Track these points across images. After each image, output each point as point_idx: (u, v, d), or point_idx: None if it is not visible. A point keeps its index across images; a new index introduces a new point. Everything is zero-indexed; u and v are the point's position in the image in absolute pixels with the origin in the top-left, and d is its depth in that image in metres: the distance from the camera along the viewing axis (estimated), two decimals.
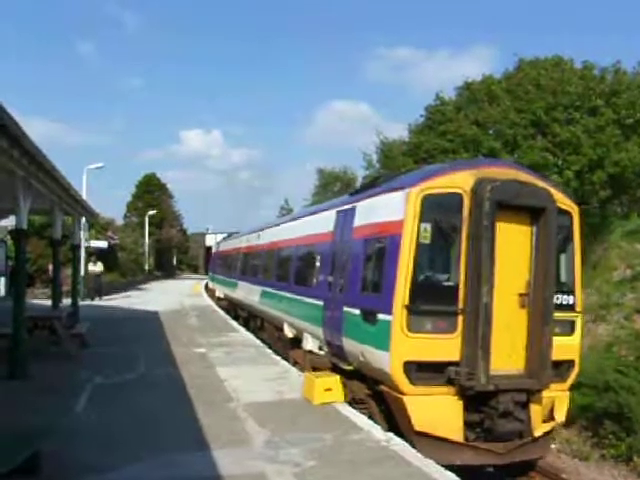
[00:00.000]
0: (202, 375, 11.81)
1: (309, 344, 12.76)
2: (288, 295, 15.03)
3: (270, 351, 15.20)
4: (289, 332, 14.80)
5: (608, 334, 15.90)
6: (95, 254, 35.11)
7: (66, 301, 20.53)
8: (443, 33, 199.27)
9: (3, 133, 8.15)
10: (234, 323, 21.85)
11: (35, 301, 23.56)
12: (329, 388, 9.85)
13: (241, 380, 11.32)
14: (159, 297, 35.22)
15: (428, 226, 8.88)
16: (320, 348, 12.22)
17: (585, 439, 12.12)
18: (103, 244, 41.25)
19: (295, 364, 13.57)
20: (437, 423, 8.53)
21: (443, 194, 8.99)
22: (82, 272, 29.88)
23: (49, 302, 18.47)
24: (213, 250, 44.18)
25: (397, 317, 8.59)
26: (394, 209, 9.33)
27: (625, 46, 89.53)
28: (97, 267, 32.73)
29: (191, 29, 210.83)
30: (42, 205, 14.73)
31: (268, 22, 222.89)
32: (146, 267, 63.30)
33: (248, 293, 21.49)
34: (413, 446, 8.01)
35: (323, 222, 13.02)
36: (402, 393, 8.62)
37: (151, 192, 79.76)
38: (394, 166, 30.04)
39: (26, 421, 7.63)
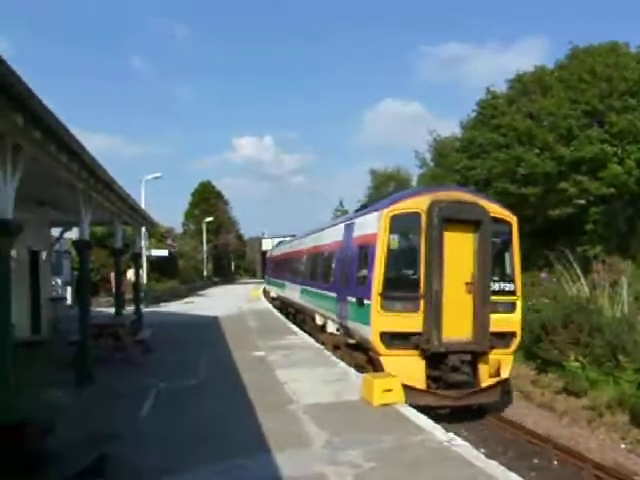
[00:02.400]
0: (262, 378, 11.93)
1: (330, 328, 16.57)
2: (316, 291, 19.10)
3: (329, 353, 15.23)
4: (319, 320, 18.41)
5: None
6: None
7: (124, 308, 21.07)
8: (492, 26, 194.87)
9: (63, 148, 8.44)
10: (292, 326, 21.98)
11: (99, 309, 24.28)
12: (389, 389, 9.76)
13: (300, 382, 11.39)
14: (218, 302, 35.76)
15: (395, 237, 12.44)
16: (337, 330, 15.75)
17: None
18: (163, 252, 42.13)
19: (323, 344, 16.82)
20: (405, 376, 11.24)
21: (406, 214, 12.35)
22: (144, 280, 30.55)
23: (113, 310, 19.01)
24: (267, 255, 48.06)
25: (374, 301, 12.13)
26: (373, 225, 12.98)
27: None
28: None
29: (239, 36, 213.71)
30: (103, 216, 15.17)
31: (316, 25, 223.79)
32: (205, 273, 64.39)
33: (292, 292, 25.63)
34: None
35: (337, 233, 16.81)
36: (379, 354, 12.13)
37: (207, 200, 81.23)
38: (447, 163, 29.68)
39: (92, 425, 7.86)
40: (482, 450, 8.82)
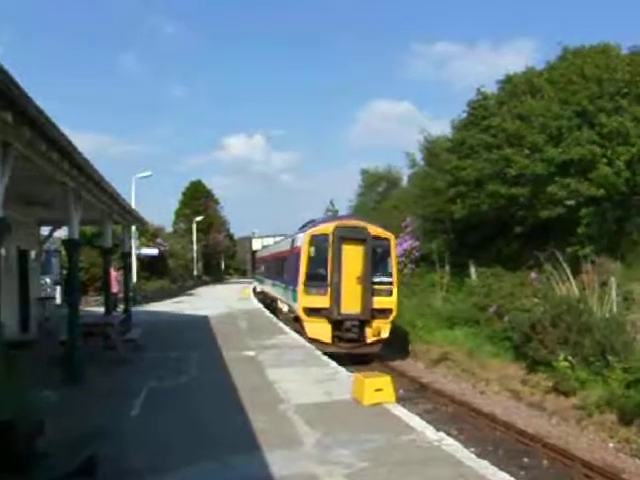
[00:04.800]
0: (252, 377, 11.92)
1: (284, 308, 24.67)
2: (278, 284, 27.38)
3: (319, 353, 15.23)
4: (279, 304, 26.59)
5: None
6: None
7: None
8: (483, 26, 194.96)
9: (53, 146, 8.38)
10: (283, 325, 21.97)
11: (88, 308, 24.16)
12: (379, 388, 9.73)
13: (291, 382, 11.39)
14: (208, 302, 35.68)
15: (312, 248, 19.85)
16: (288, 310, 23.21)
17: None
18: (153, 251, 41.92)
19: (281, 320, 23.64)
20: (318, 334, 19.08)
21: (320, 234, 20.00)
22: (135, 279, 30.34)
23: (102, 309, 18.91)
24: (256, 256, 56.73)
25: (300, 288, 19.92)
26: (301, 241, 20.60)
27: None
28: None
29: (230, 35, 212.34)
30: (93, 215, 15.08)
31: (304, 24, 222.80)
32: (195, 272, 64.16)
33: (267, 286, 34.49)
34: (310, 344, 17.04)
35: (288, 243, 25.21)
36: (304, 321, 19.69)
37: (197, 199, 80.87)
38: (438, 163, 29.71)
39: (83, 425, 7.81)
40: (472, 449, 8.82)
